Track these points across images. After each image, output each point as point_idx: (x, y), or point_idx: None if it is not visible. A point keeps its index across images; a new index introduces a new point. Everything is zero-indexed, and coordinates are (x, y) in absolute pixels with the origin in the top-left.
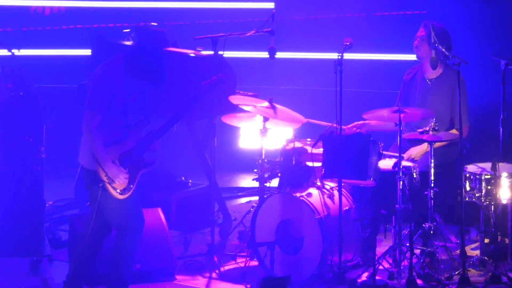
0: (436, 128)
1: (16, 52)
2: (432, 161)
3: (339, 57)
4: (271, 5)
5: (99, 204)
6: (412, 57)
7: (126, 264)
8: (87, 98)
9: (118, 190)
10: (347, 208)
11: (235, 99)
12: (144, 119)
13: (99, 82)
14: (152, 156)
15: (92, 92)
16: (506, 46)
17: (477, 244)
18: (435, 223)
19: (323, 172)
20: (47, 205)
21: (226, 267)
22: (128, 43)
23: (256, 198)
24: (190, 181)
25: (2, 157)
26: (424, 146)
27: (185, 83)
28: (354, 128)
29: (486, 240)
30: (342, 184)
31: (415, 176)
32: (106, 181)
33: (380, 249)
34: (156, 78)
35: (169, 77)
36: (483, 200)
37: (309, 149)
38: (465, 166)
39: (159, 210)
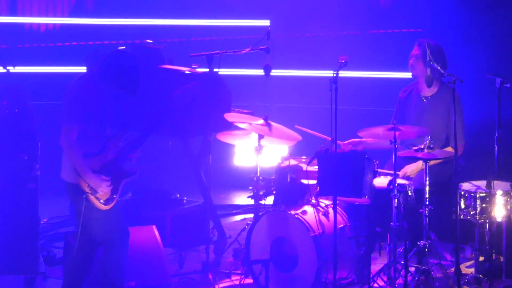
0: (431, 146)
1: (11, 69)
2: (427, 179)
3: (335, 74)
4: (266, 23)
5: (84, 216)
6: (408, 75)
7: (117, 278)
8: (63, 112)
9: (101, 201)
10: (342, 225)
11: (230, 117)
12: (122, 130)
13: (74, 95)
14: (133, 165)
15: (68, 106)
16: (502, 63)
17: (472, 262)
18: (430, 241)
19: (318, 189)
20: (42, 222)
21: (221, 285)
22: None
23: (251, 215)
24: (185, 198)
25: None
26: (419, 164)
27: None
28: (350, 146)
29: (481, 258)
30: (337, 201)
31: (410, 194)
32: (89, 192)
33: (375, 267)
34: (130, 85)
35: (163, 93)
36: (478, 218)
37: (304, 166)
38: (460, 184)
39: (154, 227)
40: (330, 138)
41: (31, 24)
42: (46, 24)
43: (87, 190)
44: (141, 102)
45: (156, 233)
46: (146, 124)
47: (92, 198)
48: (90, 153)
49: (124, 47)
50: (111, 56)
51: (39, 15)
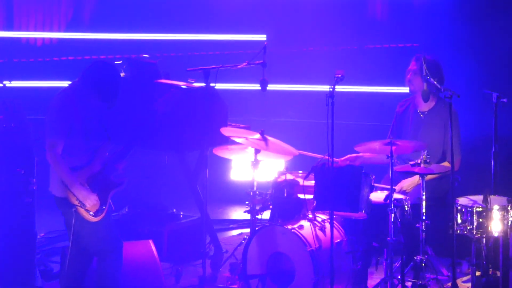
0: (428, 160)
1: (8, 83)
2: (424, 193)
3: (331, 89)
4: (263, 37)
5: (74, 230)
6: (405, 89)
7: None
8: (46, 127)
9: (91, 213)
10: (338, 240)
11: (226, 131)
12: (107, 141)
13: (57, 110)
14: (120, 176)
15: (51, 121)
16: (498, 78)
17: (468, 277)
18: (426, 256)
19: (314, 204)
20: (38, 236)
21: None
22: (122, 74)
23: (248, 230)
24: (182, 213)
25: None
26: (416, 178)
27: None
28: (348, 162)
29: (478, 273)
30: (334, 216)
31: (406, 208)
32: (78, 204)
33: (372, 282)
34: (109, 96)
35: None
36: (474, 233)
37: (300, 181)
38: (457, 198)
39: (151, 242)
40: (327, 157)
41: (28, 39)
42: (43, 39)
43: (76, 203)
44: (126, 113)
45: (153, 247)
46: (131, 135)
47: (81, 210)
48: (77, 166)
49: (120, 62)
50: (91, 67)
51: (36, 29)
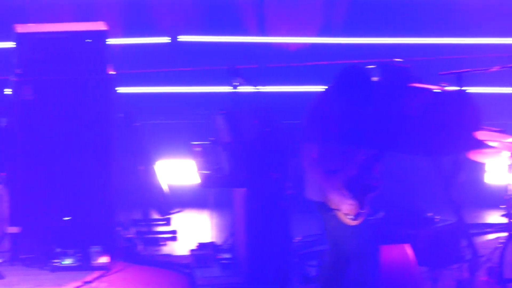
0: None
1: (261, 88)
2: None
3: None
4: None
5: (333, 234)
6: None
7: None
8: (302, 132)
9: (350, 217)
10: None
11: (480, 135)
12: (361, 145)
13: (312, 114)
14: (376, 180)
15: (307, 126)
16: None
17: None
18: None
19: None
20: (295, 240)
21: None
22: (375, 79)
23: (505, 234)
24: (438, 217)
25: (252, 193)
26: None
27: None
28: None
29: None
30: None
31: None
32: (336, 208)
33: None
34: (362, 100)
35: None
36: None
37: None
38: None
39: (408, 246)
40: None
41: (279, 44)
42: (296, 44)
43: (334, 207)
44: (379, 117)
45: (410, 251)
46: (385, 139)
47: (340, 214)
48: (333, 170)
49: (373, 66)
50: (344, 72)
51: (288, 34)
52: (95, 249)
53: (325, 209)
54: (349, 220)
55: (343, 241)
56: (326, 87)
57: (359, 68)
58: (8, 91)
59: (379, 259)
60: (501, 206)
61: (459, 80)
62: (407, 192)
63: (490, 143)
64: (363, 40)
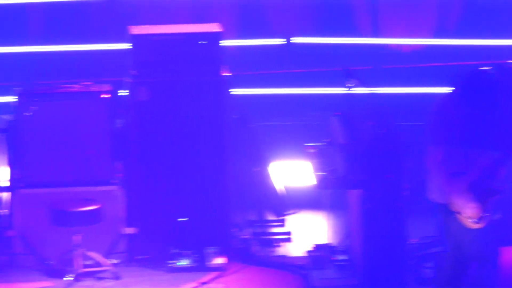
0: None
1: (376, 90)
2: None
3: None
4: None
5: (454, 236)
6: None
7: None
8: (428, 133)
9: (472, 220)
10: None
11: None
12: (485, 148)
13: (436, 117)
14: (500, 183)
15: (430, 127)
16: None
17: None
18: None
19: None
20: (412, 242)
21: None
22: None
23: None
24: None
25: (368, 194)
26: None
27: None
28: None
29: None
30: None
31: None
32: (458, 211)
33: None
34: (489, 105)
35: None
36: None
37: None
38: None
39: None
40: None
41: (392, 45)
42: (411, 45)
43: (456, 209)
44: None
45: None
46: (508, 141)
47: (462, 217)
48: (456, 173)
49: (489, 68)
50: (471, 75)
51: (401, 36)
52: (211, 250)
53: (448, 212)
54: (471, 224)
55: (464, 244)
56: (451, 90)
57: (486, 72)
58: (123, 93)
59: (498, 261)
60: None
61: None
62: None
63: None
64: (477, 42)
